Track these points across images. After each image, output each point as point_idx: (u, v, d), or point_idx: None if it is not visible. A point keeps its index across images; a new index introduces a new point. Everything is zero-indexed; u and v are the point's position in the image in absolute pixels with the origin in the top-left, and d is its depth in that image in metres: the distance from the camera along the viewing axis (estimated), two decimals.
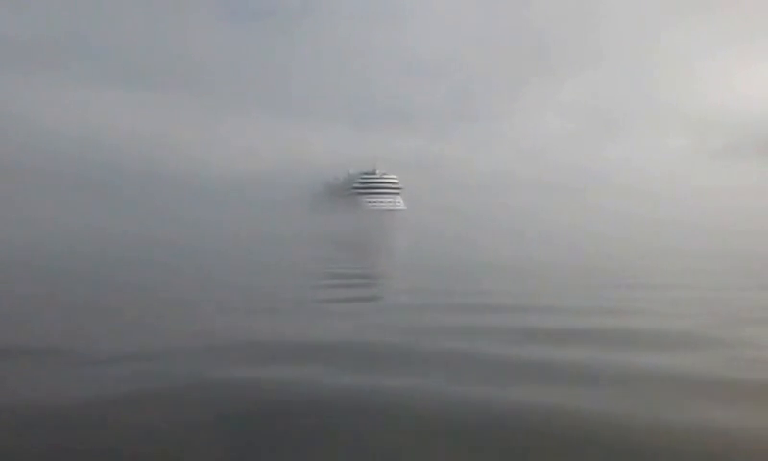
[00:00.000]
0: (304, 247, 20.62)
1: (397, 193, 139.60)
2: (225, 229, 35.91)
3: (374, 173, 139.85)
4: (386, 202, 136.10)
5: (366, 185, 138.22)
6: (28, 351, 4.52)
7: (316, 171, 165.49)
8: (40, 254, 16.69)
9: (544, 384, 3.56)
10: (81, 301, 7.33)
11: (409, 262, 13.95)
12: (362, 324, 5.50)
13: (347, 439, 2.80)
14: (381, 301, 7.51)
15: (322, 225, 48.26)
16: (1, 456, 2.66)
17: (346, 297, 7.46)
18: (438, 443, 2.75)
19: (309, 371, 3.86)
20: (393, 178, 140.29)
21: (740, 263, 11.59)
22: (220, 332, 5.14)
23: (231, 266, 12.33)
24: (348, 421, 3.01)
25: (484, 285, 8.71)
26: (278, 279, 9.84)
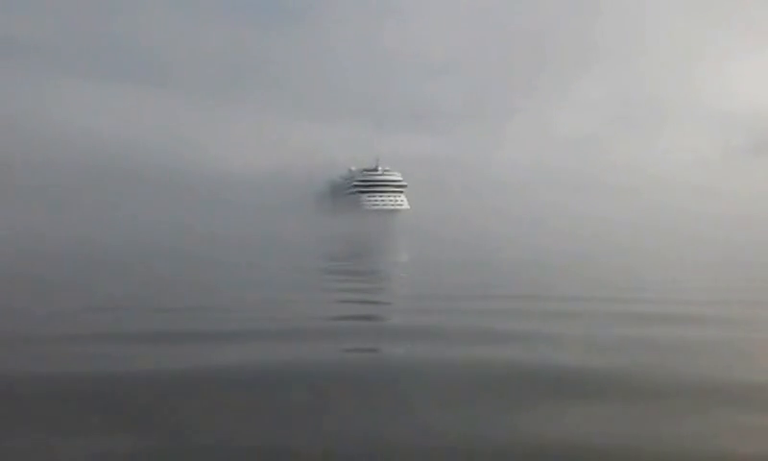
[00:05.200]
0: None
1: (401, 191, 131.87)
2: (213, 232, 34.33)
3: (376, 170, 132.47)
4: (388, 201, 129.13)
5: (367, 183, 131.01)
6: None
7: (323, 170, 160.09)
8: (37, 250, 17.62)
9: None
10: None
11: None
12: None
13: None
14: None
15: (310, 229, 44.47)
16: None
17: None
18: None
19: None
20: (396, 175, 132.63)
21: None
22: None
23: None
24: None
25: None
26: None
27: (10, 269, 11.96)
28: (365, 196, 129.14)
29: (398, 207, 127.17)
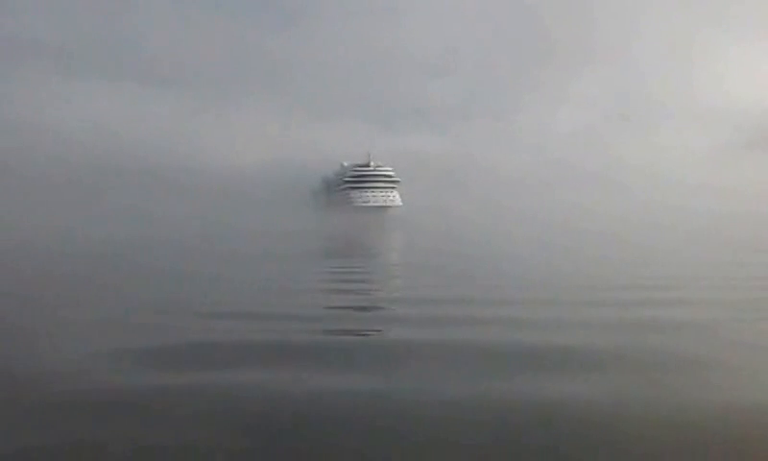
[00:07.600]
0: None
1: (393, 187, 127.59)
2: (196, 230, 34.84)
3: (368, 165, 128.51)
4: (380, 197, 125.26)
5: (358, 179, 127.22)
6: None
7: (320, 166, 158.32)
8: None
9: None
10: None
11: None
12: None
13: None
14: None
15: (290, 230, 43.77)
16: None
17: None
18: None
19: None
20: (388, 170, 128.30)
21: None
22: None
23: None
24: None
25: None
26: None
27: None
28: (356, 192, 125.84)
29: (390, 204, 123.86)
